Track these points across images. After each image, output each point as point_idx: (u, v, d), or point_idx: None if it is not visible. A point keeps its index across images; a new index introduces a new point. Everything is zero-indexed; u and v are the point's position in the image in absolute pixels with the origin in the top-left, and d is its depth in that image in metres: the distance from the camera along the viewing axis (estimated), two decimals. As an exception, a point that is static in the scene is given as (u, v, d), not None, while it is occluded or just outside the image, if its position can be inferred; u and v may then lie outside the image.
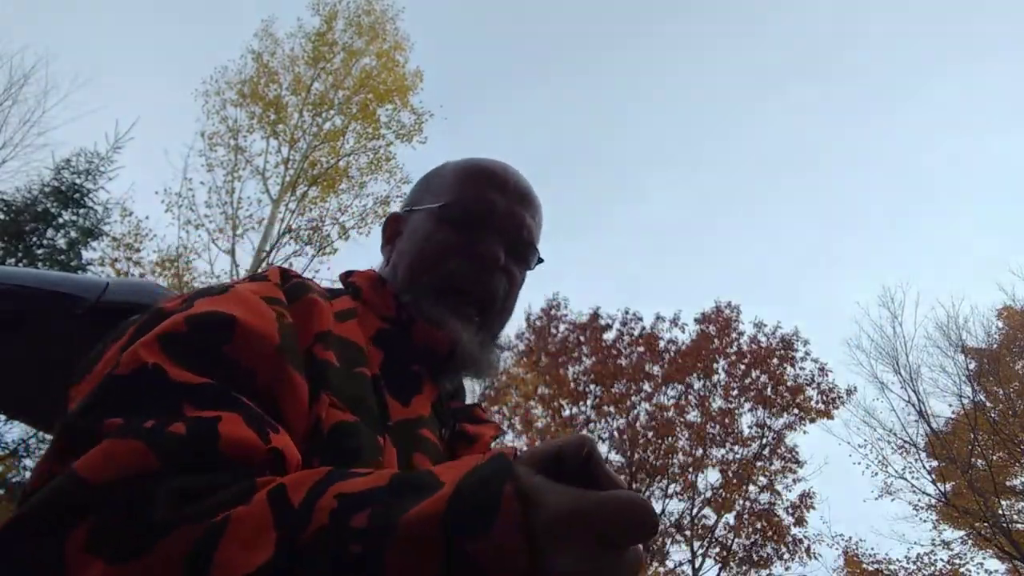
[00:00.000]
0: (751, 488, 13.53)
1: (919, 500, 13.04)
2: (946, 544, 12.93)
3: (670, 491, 13.51)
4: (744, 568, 13.13)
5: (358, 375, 0.66)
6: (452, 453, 0.79)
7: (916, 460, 13.04)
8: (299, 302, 0.65)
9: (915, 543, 13.02)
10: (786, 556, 13.00)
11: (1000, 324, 14.34)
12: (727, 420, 13.90)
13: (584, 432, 11.92)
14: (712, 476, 13.68)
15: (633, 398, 14.13)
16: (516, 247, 0.84)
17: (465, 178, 0.87)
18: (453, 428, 0.81)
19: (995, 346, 13.82)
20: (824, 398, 14.10)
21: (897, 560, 13.00)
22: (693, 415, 13.98)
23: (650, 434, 13.55)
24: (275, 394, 0.54)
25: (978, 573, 12.59)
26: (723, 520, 13.37)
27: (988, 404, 13.14)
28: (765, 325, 14.78)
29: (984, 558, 12.49)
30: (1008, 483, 12.70)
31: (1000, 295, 14.93)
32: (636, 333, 14.87)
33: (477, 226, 0.82)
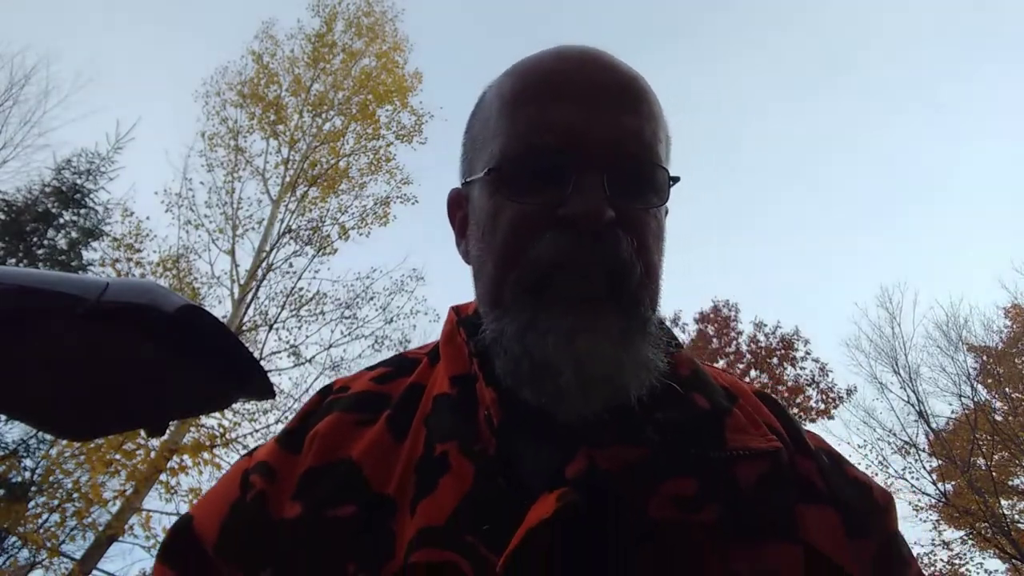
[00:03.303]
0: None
1: (919, 500, 13.04)
2: (946, 544, 12.92)
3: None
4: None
5: (333, 521, 0.49)
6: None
7: (916, 460, 13.04)
8: (303, 445, 0.56)
9: (915, 543, 13.03)
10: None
11: (1007, 323, 14.31)
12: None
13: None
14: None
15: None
16: (625, 179, 0.53)
17: (512, 105, 0.56)
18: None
19: (999, 345, 13.81)
20: (824, 398, 14.10)
21: (897, 560, 12.95)
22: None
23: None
24: None
25: (978, 573, 12.61)
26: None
27: (991, 403, 13.13)
28: (765, 325, 14.79)
29: (984, 558, 12.50)
30: (1009, 483, 12.69)
31: (1003, 293, 14.90)
32: (636, 333, 14.84)
33: (549, 175, 0.52)
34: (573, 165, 0.52)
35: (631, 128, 0.54)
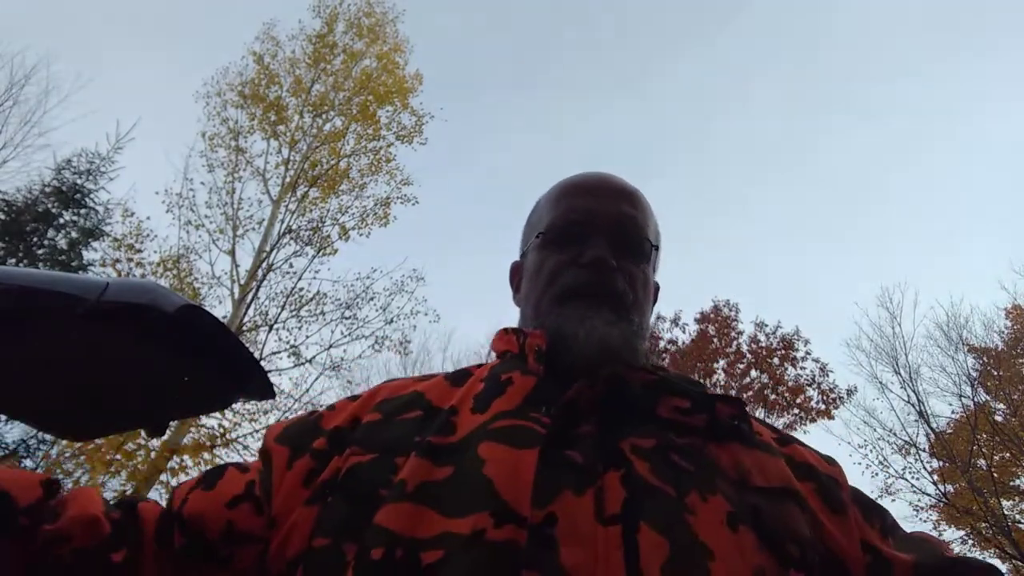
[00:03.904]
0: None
1: (919, 500, 13.04)
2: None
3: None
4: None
5: (403, 420, 0.71)
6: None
7: (916, 460, 13.03)
8: (360, 397, 0.79)
9: (916, 543, 12.95)
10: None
11: (1008, 323, 14.30)
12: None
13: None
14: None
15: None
16: (622, 244, 0.81)
17: (555, 198, 0.88)
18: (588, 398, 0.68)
19: (1000, 346, 13.81)
20: (824, 398, 14.08)
21: (898, 560, 12.94)
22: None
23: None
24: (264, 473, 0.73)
25: (979, 573, 12.55)
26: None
27: (992, 404, 13.12)
28: (766, 325, 14.78)
29: (985, 558, 12.45)
30: (1010, 483, 12.69)
31: (1003, 294, 14.88)
32: (637, 334, 14.83)
33: (576, 238, 0.81)
34: (589, 232, 0.81)
35: (628, 214, 0.84)
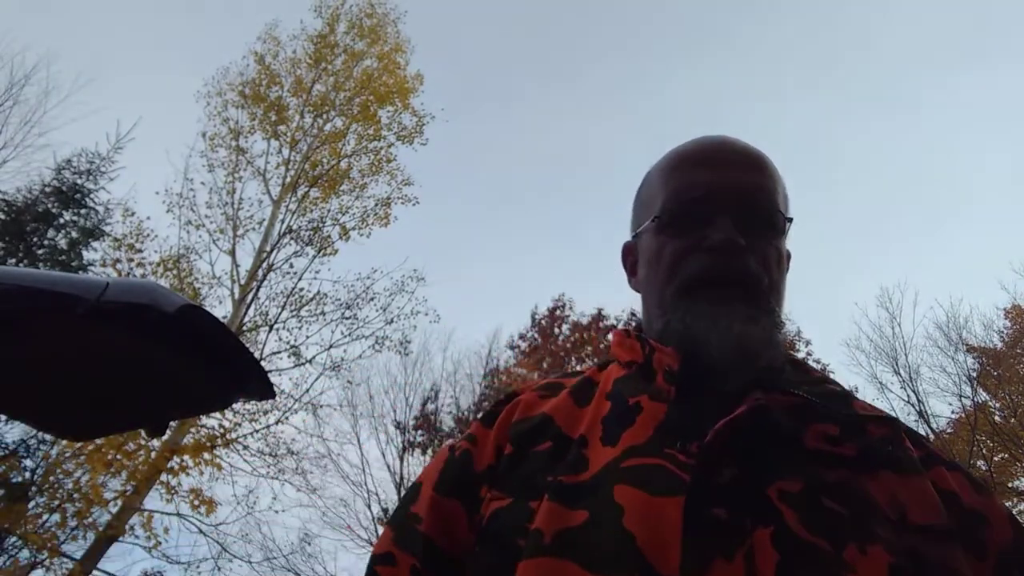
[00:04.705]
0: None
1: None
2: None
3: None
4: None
5: (535, 454, 0.67)
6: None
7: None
8: (496, 418, 0.75)
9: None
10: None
11: (1007, 323, 14.30)
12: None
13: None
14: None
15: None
16: (751, 219, 0.72)
17: (669, 173, 0.78)
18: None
19: (999, 346, 13.80)
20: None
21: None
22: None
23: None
24: (433, 525, 0.69)
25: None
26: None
27: (991, 404, 13.12)
28: (766, 326, 14.76)
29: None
30: (1009, 484, 12.69)
31: (1002, 294, 14.87)
32: (637, 334, 14.83)
33: (698, 218, 0.72)
34: (713, 210, 0.72)
35: (754, 183, 0.74)
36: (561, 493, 0.60)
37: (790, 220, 0.77)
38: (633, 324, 0.84)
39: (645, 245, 0.79)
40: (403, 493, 0.78)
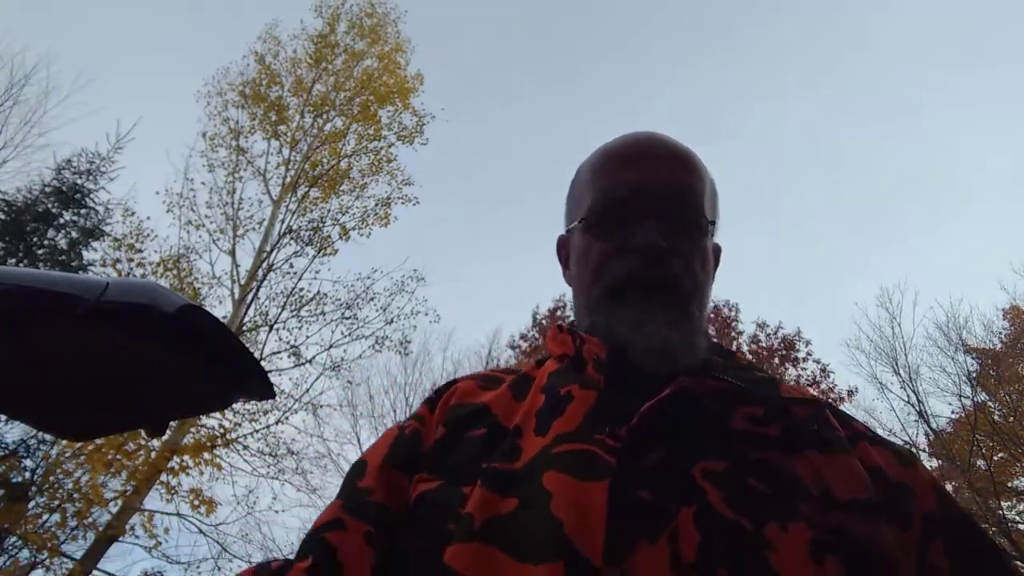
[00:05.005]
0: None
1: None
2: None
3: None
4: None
5: (469, 439, 0.68)
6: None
7: (917, 461, 12.99)
8: (436, 403, 0.76)
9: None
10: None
11: (1006, 324, 14.31)
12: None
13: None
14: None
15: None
16: (676, 220, 0.73)
17: (596, 171, 0.79)
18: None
19: (999, 346, 13.80)
20: (825, 399, 14.06)
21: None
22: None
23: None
24: (387, 495, 0.69)
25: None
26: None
27: (990, 405, 13.12)
28: (767, 325, 14.78)
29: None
30: (1009, 484, 12.68)
31: (1002, 295, 14.87)
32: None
33: (622, 219, 0.73)
34: (638, 212, 0.72)
35: (680, 184, 0.74)
36: (494, 480, 0.60)
37: (713, 223, 0.77)
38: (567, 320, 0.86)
39: (575, 243, 0.80)
40: (347, 470, 0.75)
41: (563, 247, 0.87)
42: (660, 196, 0.73)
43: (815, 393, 0.73)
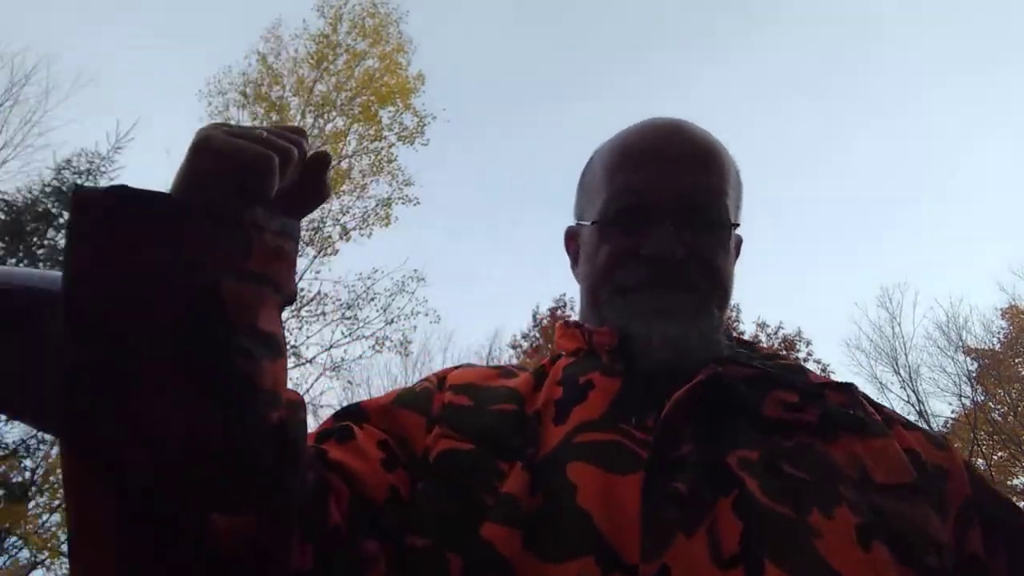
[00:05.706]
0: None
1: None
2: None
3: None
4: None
5: (494, 411, 0.64)
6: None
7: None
8: (446, 380, 0.72)
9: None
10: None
11: (1004, 324, 14.31)
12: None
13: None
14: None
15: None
16: (696, 221, 0.69)
17: (611, 166, 0.74)
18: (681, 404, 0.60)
19: (997, 346, 13.80)
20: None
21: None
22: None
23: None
24: (391, 429, 0.64)
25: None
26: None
27: (990, 404, 13.12)
28: (767, 325, 14.77)
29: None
30: (1009, 483, 12.68)
31: (1001, 295, 14.86)
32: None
33: (638, 221, 0.69)
34: (652, 216, 0.69)
35: (699, 184, 0.71)
36: (532, 470, 0.57)
37: (736, 225, 0.74)
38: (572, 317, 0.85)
39: (585, 239, 0.77)
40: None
41: (572, 240, 0.83)
42: (679, 198, 0.69)
43: None
